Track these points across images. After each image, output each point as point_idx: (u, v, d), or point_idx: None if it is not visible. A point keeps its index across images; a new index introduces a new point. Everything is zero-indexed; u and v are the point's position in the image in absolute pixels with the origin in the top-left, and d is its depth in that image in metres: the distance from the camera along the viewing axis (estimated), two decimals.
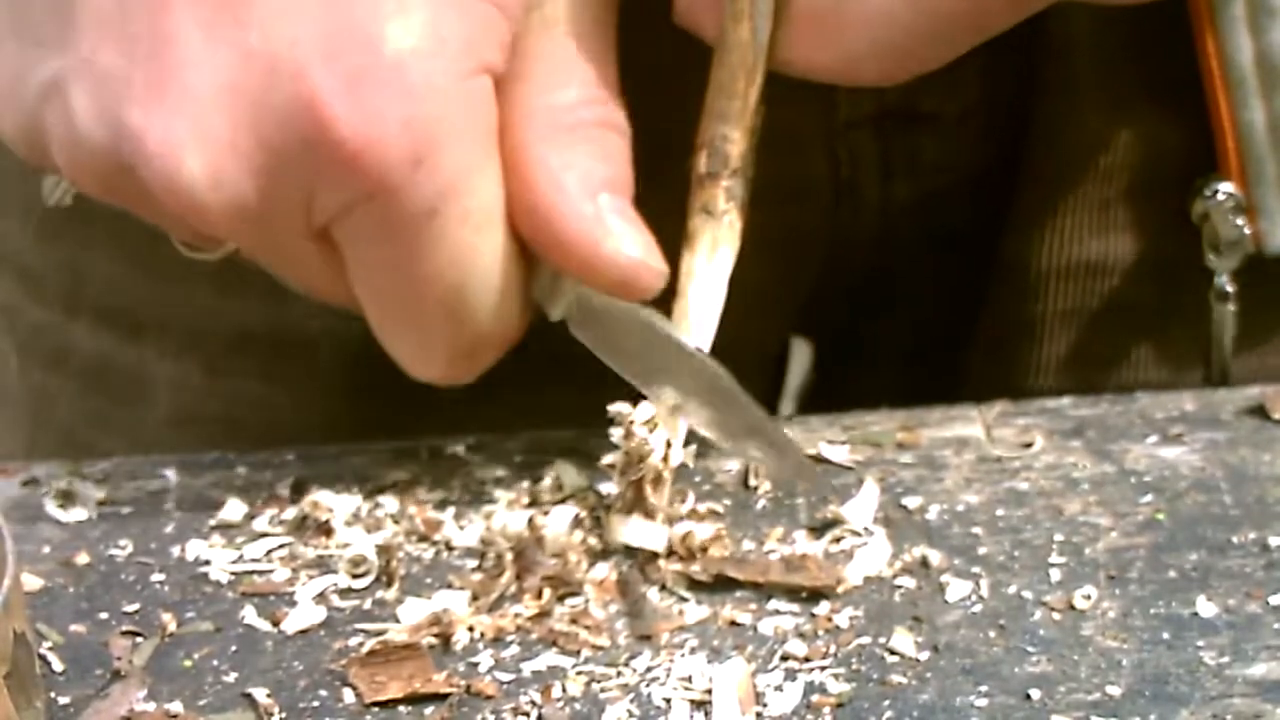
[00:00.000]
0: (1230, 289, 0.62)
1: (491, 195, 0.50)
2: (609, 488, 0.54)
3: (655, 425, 0.52)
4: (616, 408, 0.52)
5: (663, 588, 0.51)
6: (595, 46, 0.52)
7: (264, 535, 0.54)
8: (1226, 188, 0.60)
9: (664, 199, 0.53)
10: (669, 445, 0.52)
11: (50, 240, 0.69)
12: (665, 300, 0.53)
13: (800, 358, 0.78)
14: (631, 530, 0.52)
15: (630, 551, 0.52)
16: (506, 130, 0.51)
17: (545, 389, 0.64)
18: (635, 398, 0.52)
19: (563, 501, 0.55)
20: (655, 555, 0.52)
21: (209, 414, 0.67)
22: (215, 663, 0.48)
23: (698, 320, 0.53)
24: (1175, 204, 0.62)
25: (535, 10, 0.51)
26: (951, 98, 0.64)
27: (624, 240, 0.51)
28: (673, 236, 0.53)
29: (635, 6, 0.54)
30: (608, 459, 0.53)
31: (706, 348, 0.53)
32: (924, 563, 0.52)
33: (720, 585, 0.51)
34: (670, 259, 0.53)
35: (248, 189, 0.49)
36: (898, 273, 0.69)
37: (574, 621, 0.50)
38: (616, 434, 0.52)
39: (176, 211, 0.50)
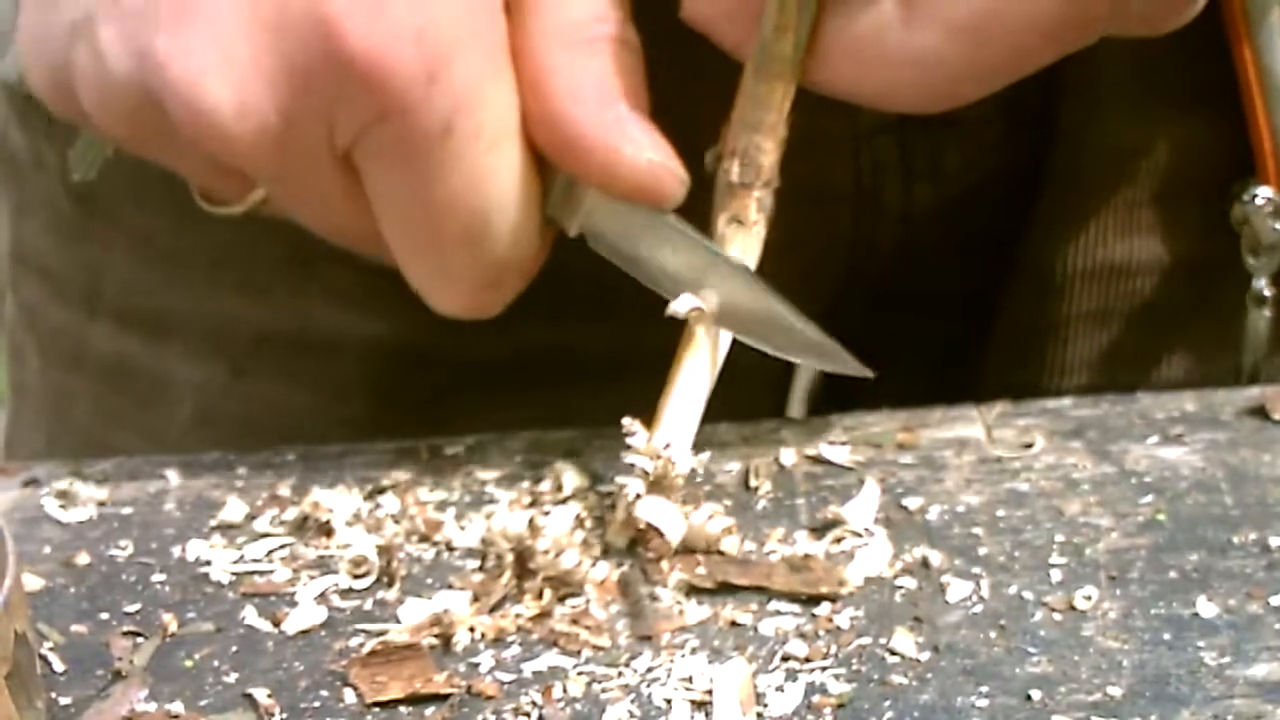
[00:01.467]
0: (1269, 293, 0.62)
1: (505, 110, 0.51)
2: (609, 488, 0.54)
3: (668, 445, 0.52)
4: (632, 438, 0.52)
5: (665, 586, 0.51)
6: None
7: (265, 535, 0.54)
8: (1266, 192, 0.60)
9: None
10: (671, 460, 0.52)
11: (72, 241, 0.69)
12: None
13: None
14: (649, 507, 0.52)
15: (631, 550, 0.52)
16: (520, 47, 0.51)
17: (546, 388, 0.64)
18: (637, 407, 0.53)
19: (563, 502, 0.55)
20: (659, 557, 0.52)
21: (229, 415, 0.67)
22: (216, 663, 0.48)
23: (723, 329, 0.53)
24: (1199, 207, 0.62)
25: None
26: (974, 103, 0.64)
27: (643, 145, 0.51)
28: None
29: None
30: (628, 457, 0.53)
31: (723, 356, 0.53)
32: (924, 563, 0.52)
33: (722, 587, 0.51)
34: None
35: (271, 113, 0.49)
36: (919, 275, 0.69)
37: (575, 622, 0.50)
38: (635, 456, 0.52)
39: (201, 142, 0.50)
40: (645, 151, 0.51)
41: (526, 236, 0.52)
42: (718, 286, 0.53)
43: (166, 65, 0.49)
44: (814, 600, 0.50)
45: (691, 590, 0.51)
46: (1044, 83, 0.63)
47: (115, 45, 0.50)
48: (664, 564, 0.52)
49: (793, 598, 0.50)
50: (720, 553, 0.52)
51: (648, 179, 0.51)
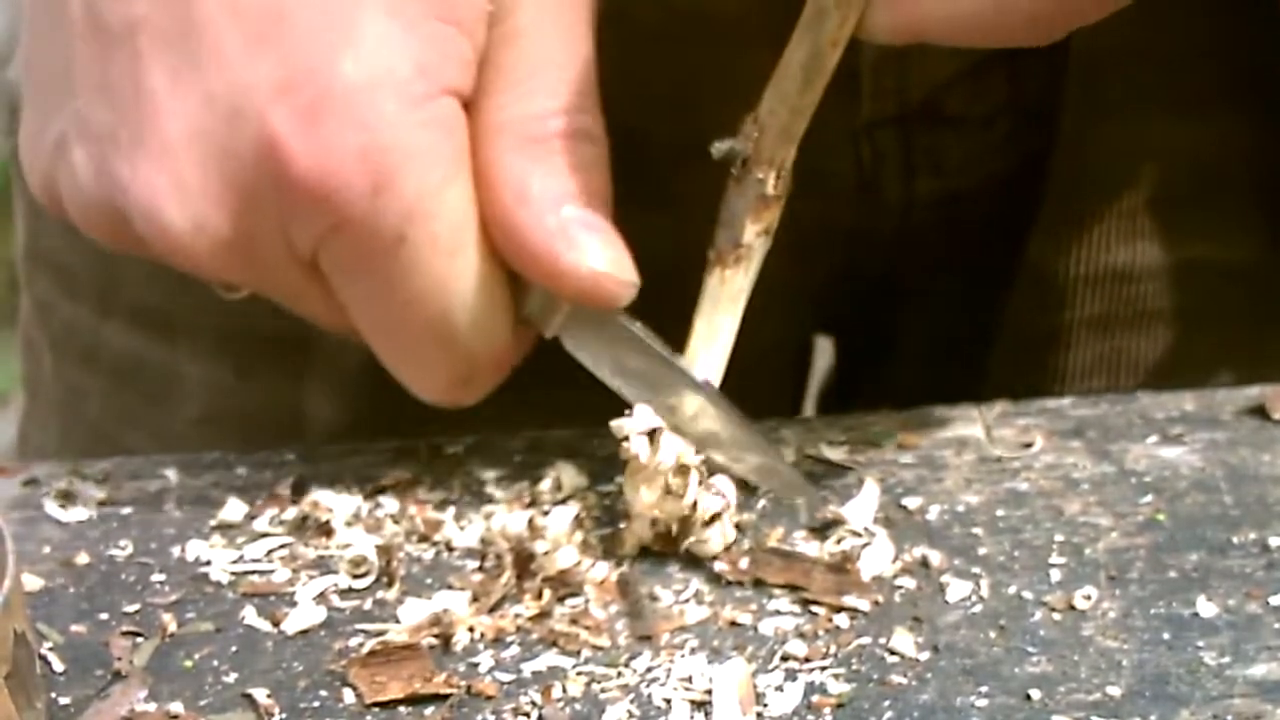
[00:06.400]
0: None
1: (459, 216, 0.51)
2: (609, 488, 0.54)
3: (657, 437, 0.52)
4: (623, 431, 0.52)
5: (689, 563, 0.52)
6: (565, 55, 0.52)
7: (264, 535, 0.54)
8: None
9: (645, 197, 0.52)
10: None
11: (86, 239, 0.69)
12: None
13: (824, 356, 0.78)
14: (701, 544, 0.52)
15: (642, 550, 0.53)
16: (477, 145, 0.51)
17: (545, 389, 0.64)
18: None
19: (563, 501, 0.55)
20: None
21: (237, 414, 0.68)
22: (216, 663, 0.48)
23: (729, 330, 0.53)
24: (1202, 211, 0.62)
25: (500, 24, 0.51)
26: (976, 101, 0.64)
27: (586, 252, 0.51)
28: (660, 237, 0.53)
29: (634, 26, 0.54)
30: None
31: (727, 354, 0.53)
32: (924, 563, 0.52)
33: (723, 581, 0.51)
34: (665, 257, 0.52)
35: (226, 231, 0.50)
36: (919, 270, 0.69)
37: (574, 622, 0.50)
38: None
39: (170, 257, 0.51)
40: (587, 259, 0.51)
41: (496, 336, 0.53)
42: (680, 398, 0.53)
43: (127, 188, 0.51)
44: (844, 608, 0.50)
45: (711, 584, 0.51)
46: (1048, 84, 0.63)
47: (85, 166, 0.51)
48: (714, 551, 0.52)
49: (823, 604, 0.50)
50: (768, 549, 0.52)
51: (589, 285, 0.51)
